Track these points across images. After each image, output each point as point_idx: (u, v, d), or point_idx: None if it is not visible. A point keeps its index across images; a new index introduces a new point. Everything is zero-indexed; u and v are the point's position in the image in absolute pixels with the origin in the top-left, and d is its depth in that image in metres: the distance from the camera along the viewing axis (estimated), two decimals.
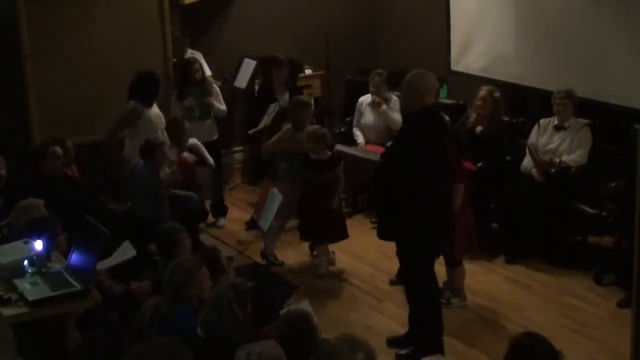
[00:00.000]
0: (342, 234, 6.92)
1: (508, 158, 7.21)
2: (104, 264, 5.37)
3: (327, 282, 6.82)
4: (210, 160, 7.65)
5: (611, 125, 7.07)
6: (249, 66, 8.98)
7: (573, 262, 6.80)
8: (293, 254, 7.36)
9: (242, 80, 9.00)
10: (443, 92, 8.38)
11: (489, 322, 6.06)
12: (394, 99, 8.01)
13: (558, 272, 6.76)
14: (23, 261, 4.92)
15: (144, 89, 7.10)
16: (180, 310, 4.43)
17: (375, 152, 7.34)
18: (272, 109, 8.33)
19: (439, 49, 8.63)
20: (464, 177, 6.04)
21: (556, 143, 6.93)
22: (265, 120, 8.50)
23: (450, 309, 6.08)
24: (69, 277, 4.85)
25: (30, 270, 4.91)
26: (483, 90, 7.28)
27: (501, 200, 7.04)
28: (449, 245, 5.75)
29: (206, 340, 4.22)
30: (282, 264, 7.06)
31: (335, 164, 6.81)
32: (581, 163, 6.80)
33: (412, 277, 5.46)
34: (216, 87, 8.23)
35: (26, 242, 5.03)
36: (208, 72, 8.38)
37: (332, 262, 7.02)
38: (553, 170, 6.77)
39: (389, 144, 6.76)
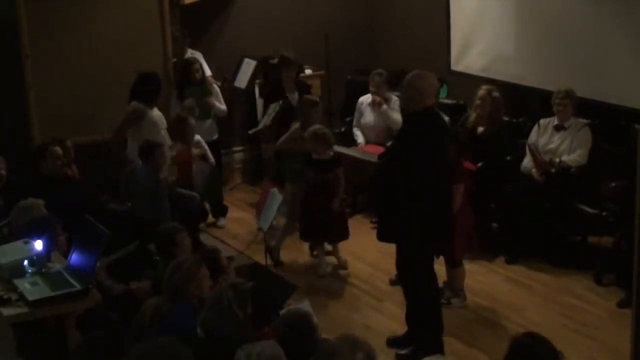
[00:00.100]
0: (342, 235, 6.92)
1: (508, 158, 7.21)
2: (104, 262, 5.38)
3: (327, 282, 6.82)
4: (212, 158, 7.66)
5: (611, 125, 7.07)
6: (249, 66, 8.98)
7: (573, 262, 6.80)
8: (293, 254, 7.36)
9: (242, 80, 9.00)
10: (443, 92, 8.38)
11: (489, 322, 6.06)
12: (394, 99, 8.01)
13: (558, 272, 6.76)
14: (23, 261, 4.92)
15: (147, 89, 7.11)
16: (180, 310, 4.43)
17: (372, 153, 7.32)
18: (272, 109, 8.33)
19: (439, 49, 8.63)
20: (464, 177, 6.04)
21: (556, 143, 6.93)
22: (265, 121, 8.50)
23: (450, 309, 6.08)
24: (69, 277, 4.86)
25: (30, 270, 4.92)
26: (482, 90, 7.28)
27: (501, 200, 7.04)
28: (449, 245, 5.75)
29: (206, 340, 4.22)
30: (282, 264, 7.06)
31: (336, 165, 6.79)
32: (581, 163, 6.80)
33: (412, 277, 5.46)
34: (216, 87, 8.24)
35: (26, 242, 5.03)
36: (208, 72, 8.39)
37: (344, 266, 6.98)
38: (553, 170, 6.77)
39: (389, 144, 6.77)
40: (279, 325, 4.20)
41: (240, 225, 8.03)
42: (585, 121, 6.93)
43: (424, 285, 5.45)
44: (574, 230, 6.99)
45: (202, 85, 7.91)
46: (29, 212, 5.38)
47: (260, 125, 8.71)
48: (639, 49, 6.74)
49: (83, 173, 7.04)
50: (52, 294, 4.70)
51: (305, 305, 4.85)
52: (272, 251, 7.05)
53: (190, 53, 8.38)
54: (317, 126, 6.85)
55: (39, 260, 4.96)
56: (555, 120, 6.99)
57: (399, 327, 5.78)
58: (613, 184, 6.50)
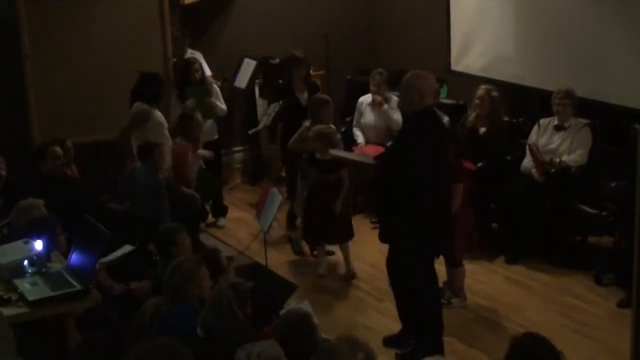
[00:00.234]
0: (343, 236, 6.88)
1: (508, 158, 7.21)
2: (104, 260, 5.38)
3: (327, 282, 6.82)
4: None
5: (611, 125, 7.07)
6: (249, 66, 8.98)
7: (573, 262, 6.80)
8: (293, 254, 7.36)
9: (242, 80, 9.00)
10: (443, 92, 8.38)
11: (489, 322, 6.06)
12: (395, 99, 8.00)
13: (558, 272, 6.76)
14: (23, 261, 4.92)
15: (150, 90, 7.11)
16: (180, 310, 4.43)
17: (368, 155, 7.27)
18: (272, 108, 8.32)
19: (439, 49, 8.63)
20: (464, 177, 6.04)
21: (556, 143, 6.94)
22: (265, 121, 8.50)
23: (450, 309, 6.08)
24: (69, 277, 4.85)
25: (30, 270, 4.91)
26: (481, 90, 7.29)
27: (501, 200, 7.04)
28: (448, 245, 5.75)
29: (206, 340, 4.22)
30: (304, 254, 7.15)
31: (339, 166, 6.70)
32: (581, 163, 6.80)
33: (412, 278, 5.46)
34: (216, 87, 8.24)
35: (26, 242, 5.03)
36: (208, 72, 8.39)
37: (350, 276, 6.89)
38: (553, 170, 6.77)
39: (388, 144, 6.75)
40: (279, 325, 4.20)
41: (240, 225, 8.03)
42: (585, 121, 6.93)
43: (424, 285, 5.45)
44: (574, 230, 6.99)
45: (202, 86, 7.90)
46: (29, 212, 5.38)
47: (260, 125, 8.71)
48: (639, 49, 6.74)
49: (83, 173, 7.04)
50: (52, 294, 4.70)
51: (305, 305, 4.85)
52: (293, 243, 7.09)
53: (190, 53, 8.38)
54: (322, 125, 6.81)
55: (39, 260, 4.96)
56: (555, 120, 6.99)
57: (399, 327, 5.77)
58: (613, 184, 6.50)
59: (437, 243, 5.48)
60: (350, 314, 6.28)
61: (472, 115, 7.37)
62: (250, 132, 8.83)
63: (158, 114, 7.13)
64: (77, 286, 4.76)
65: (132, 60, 7.71)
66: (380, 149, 7.39)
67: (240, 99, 9.25)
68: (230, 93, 8.91)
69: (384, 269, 6.68)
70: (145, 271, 5.41)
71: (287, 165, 7.84)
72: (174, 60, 8.16)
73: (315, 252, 7.21)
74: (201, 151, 7.43)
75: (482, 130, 7.25)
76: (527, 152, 6.98)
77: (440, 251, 5.67)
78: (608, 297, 6.30)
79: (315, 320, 4.22)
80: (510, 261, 6.97)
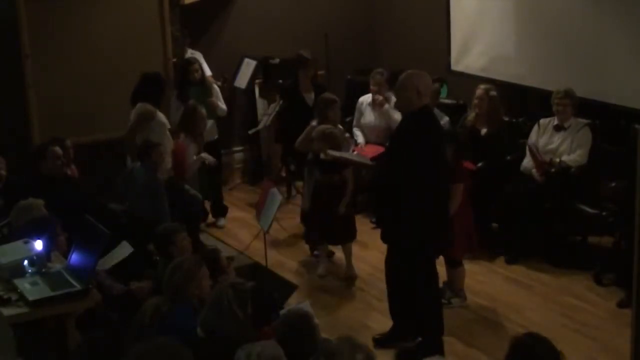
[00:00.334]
0: (346, 237, 6.86)
1: (508, 158, 7.21)
2: (103, 265, 5.37)
3: (327, 282, 6.82)
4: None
5: (611, 125, 7.07)
6: (249, 66, 8.98)
7: (573, 262, 6.80)
8: (293, 254, 7.37)
9: (242, 80, 9.00)
10: (443, 92, 8.38)
11: (489, 322, 6.06)
12: (395, 98, 8.01)
13: (558, 272, 6.76)
14: (23, 261, 4.92)
15: (153, 90, 7.10)
16: (180, 310, 4.43)
17: (365, 157, 7.26)
18: (272, 108, 8.32)
19: (439, 49, 8.64)
20: (463, 177, 6.05)
21: (556, 143, 6.94)
22: (265, 121, 8.51)
23: (450, 309, 6.08)
24: (69, 277, 4.85)
25: (30, 270, 4.91)
26: (480, 90, 7.29)
27: (501, 200, 7.04)
28: (448, 245, 5.75)
29: (206, 340, 4.22)
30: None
31: (342, 166, 6.68)
32: (581, 163, 6.80)
33: (412, 277, 5.46)
34: (216, 87, 8.24)
35: (26, 242, 5.03)
36: (208, 72, 8.38)
37: (353, 275, 6.89)
38: (553, 170, 6.77)
39: (388, 144, 6.74)
40: (279, 325, 4.20)
41: (240, 225, 8.03)
42: (585, 121, 6.94)
43: (425, 285, 5.45)
44: (574, 230, 6.99)
45: (202, 86, 7.90)
46: (29, 212, 5.38)
47: (260, 125, 8.72)
48: (639, 49, 6.74)
49: (83, 173, 7.04)
50: (52, 294, 4.70)
51: (305, 305, 4.84)
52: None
53: (190, 53, 8.38)
54: (325, 125, 6.80)
55: (39, 260, 4.96)
56: (555, 121, 7.00)
57: None
58: (613, 184, 6.50)
59: (437, 243, 5.48)
60: (351, 314, 6.28)
61: (471, 115, 7.38)
62: (250, 132, 8.84)
63: (160, 114, 7.14)
64: (77, 286, 4.76)
65: (132, 60, 7.72)
66: (380, 149, 7.40)
67: (240, 99, 9.25)
68: (230, 93, 8.91)
69: (384, 268, 6.71)
70: (145, 271, 5.40)
71: (296, 165, 7.82)
72: (174, 60, 8.16)
73: (315, 253, 7.21)
74: (205, 155, 7.40)
75: (483, 130, 7.25)
76: (527, 152, 6.98)
77: (440, 251, 5.67)
78: (608, 297, 6.30)
79: (315, 320, 4.22)
80: (510, 261, 6.97)
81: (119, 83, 7.59)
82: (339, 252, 7.09)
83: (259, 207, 7.05)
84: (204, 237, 7.39)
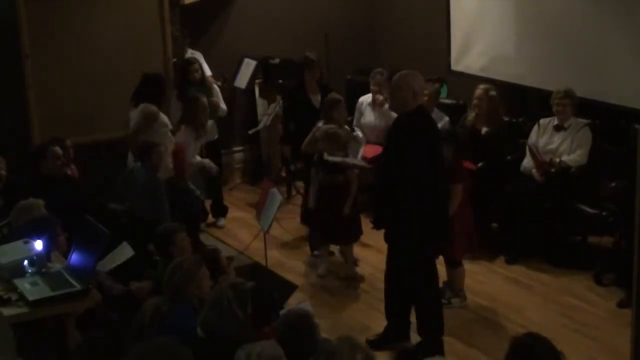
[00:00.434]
0: (348, 238, 6.86)
1: (508, 158, 7.21)
2: (104, 266, 5.37)
3: (327, 283, 6.82)
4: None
5: (611, 125, 7.07)
6: (249, 66, 8.98)
7: (573, 262, 6.80)
8: (293, 254, 7.37)
9: (242, 80, 9.00)
10: (443, 92, 8.38)
11: (489, 322, 6.06)
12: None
13: (558, 272, 6.76)
14: (23, 261, 4.92)
15: (154, 90, 7.10)
16: (180, 310, 4.43)
17: (361, 160, 7.24)
18: (272, 108, 8.32)
19: (439, 49, 8.64)
20: (463, 177, 6.05)
21: (556, 143, 6.94)
22: (265, 121, 8.51)
23: (450, 309, 6.08)
24: (69, 277, 4.85)
25: (30, 270, 4.91)
26: (479, 90, 7.30)
27: (501, 200, 7.04)
28: (447, 245, 5.76)
29: (206, 340, 4.22)
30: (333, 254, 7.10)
31: (346, 166, 6.68)
32: (581, 163, 6.80)
33: (412, 278, 5.46)
34: (216, 87, 8.24)
35: (26, 242, 5.03)
36: (208, 72, 8.38)
37: (353, 276, 6.90)
38: (553, 170, 6.77)
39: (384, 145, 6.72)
40: (279, 325, 4.20)
41: (240, 225, 8.03)
42: (585, 121, 6.94)
43: (425, 285, 5.45)
44: (574, 230, 6.99)
45: (202, 86, 7.90)
46: (29, 212, 5.38)
47: (260, 125, 8.72)
48: (639, 49, 6.74)
49: (83, 173, 7.03)
50: (52, 294, 4.70)
51: (306, 305, 4.84)
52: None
53: (190, 53, 8.38)
54: (328, 125, 6.79)
55: (39, 260, 4.95)
56: (555, 121, 7.00)
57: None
58: (613, 184, 6.50)
59: (436, 243, 5.48)
60: (351, 314, 6.28)
61: (471, 115, 7.38)
62: (250, 132, 8.84)
63: (162, 115, 7.14)
64: (77, 286, 4.76)
65: (132, 60, 7.72)
66: (380, 149, 7.39)
67: (240, 99, 9.25)
68: (230, 93, 8.91)
69: (384, 268, 6.70)
70: (145, 271, 5.40)
71: (304, 167, 7.81)
72: (174, 60, 8.15)
73: (315, 253, 7.21)
74: (207, 162, 7.39)
75: (484, 130, 7.25)
76: (527, 152, 6.98)
77: (439, 251, 5.67)
78: (608, 297, 6.30)
79: (315, 320, 4.22)
80: (510, 261, 6.97)
81: (119, 83, 7.59)
82: (338, 252, 7.08)
83: (259, 207, 7.05)
84: (204, 237, 7.39)
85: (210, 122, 7.93)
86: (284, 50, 8.89)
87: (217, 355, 4.07)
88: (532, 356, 3.62)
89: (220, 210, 8.11)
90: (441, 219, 5.37)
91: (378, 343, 5.63)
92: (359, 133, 8.17)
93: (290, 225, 7.84)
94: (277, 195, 6.75)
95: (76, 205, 5.88)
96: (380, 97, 8.00)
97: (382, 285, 6.57)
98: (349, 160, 6.75)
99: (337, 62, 9.28)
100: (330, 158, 6.54)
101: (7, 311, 4.53)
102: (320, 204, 6.82)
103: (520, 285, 6.62)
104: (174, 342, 3.52)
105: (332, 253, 7.17)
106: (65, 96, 7.68)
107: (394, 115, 7.80)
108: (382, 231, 5.60)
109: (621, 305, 6.09)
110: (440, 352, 5.43)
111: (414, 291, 5.50)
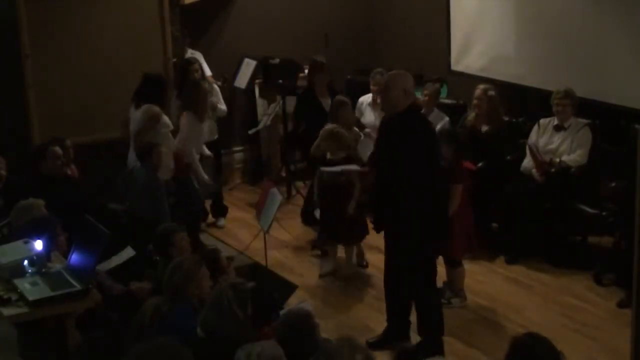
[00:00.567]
0: (349, 238, 6.86)
1: (508, 158, 7.21)
2: (104, 267, 5.37)
3: (327, 282, 6.82)
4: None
5: (611, 125, 7.07)
6: (249, 66, 8.98)
7: (573, 262, 6.80)
8: (293, 254, 7.37)
9: (242, 80, 9.00)
10: (443, 92, 8.39)
11: (489, 322, 6.06)
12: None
13: (558, 272, 6.76)
14: (23, 261, 4.92)
15: (155, 91, 7.10)
16: (180, 310, 4.43)
17: (353, 165, 7.20)
18: (272, 108, 8.31)
19: (439, 49, 8.64)
20: (463, 177, 6.04)
21: (556, 143, 6.94)
22: (265, 121, 8.50)
23: (450, 309, 6.08)
24: (69, 277, 4.85)
25: (30, 270, 4.91)
26: (478, 90, 7.30)
27: (501, 200, 7.04)
28: (446, 245, 5.75)
29: (206, 340, 4.22)
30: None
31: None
32: (581, 163, 6.80)
33: (412, 278, 5.45)
34: (216, 87, 8.24)
35: (26, 242, 5.03)
36: (208, 72, 8.39)
37: (344, 271, 6.92)
38: (553, 170, 6.77)
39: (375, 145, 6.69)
40: (279, 325, 4.20)
41: (240, 225, 8.03)
42: (585, 121, 6.94)
43: (425, 285, 5.45)
44: (574, 230, 6.99)
45: None
46: (29, 212, 5.38)
47: (260, 125, 8.72)
48: (639, 49, 6.74)
49: (83, 173, 7.04)
50: (52, 294, 4.70)
51: (306, 305, 4.84)
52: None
53: (190, 53, 8.38)
54: (333, 125, 6.79)
55: (39, 260, 4.95)
56: (555, 121, 7.00)
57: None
58: (613, 184, 6.50)
59: (436, 243, 5.48)
60: (351, 314, 6.28)
61: (471, 115, 7.39)
62: (250, 132, 8.84)
63: (164, 115, 7.14)
64: (77, 286, 4.76)
65: (132, 60, 7.72)
66: None
67: (240, 99, 9.25)
68: (230, 93, 8.91)
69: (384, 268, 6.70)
70: (145, 271, 5.40)
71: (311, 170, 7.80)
72: (174, 60, 8.15)
73: (314, 252, 7.22)
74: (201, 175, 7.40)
75: (484, 130, 7.25)
76: (527, 152, 6.98)
77: (439, 251, 5.66)
78: (608, 297, 6.30)
79: (316, 320, 4.22)
80: (510, 261, 6.97)
81: (119, 83, 7.59)
82: (338, 252, 7.08)
83: (259, 207, 7.05)
84: (204, 237, 7.39)
85: (209, 122, 7.92)
86: (284, 50, 8.89)
87: (217, 355, 4.07)
88: (532, 356, 3.62)
89: (220, 210, 8.12)
90: (441, 219, 5.37)
91: (378, 344, 5.63)
92: (371, 133, 8.13)
93: (290, 225, 7.84)
94: (277, 195, 6.75)
95: (76, 205, 5.88)
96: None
97: (382, 285, 6.58)
98: (346, 167, 6.72)
99: (337, 62, 9.27)
100: (327, 169, 6.58)
101: (7, 311, 4.53)
102: (322, 203, 6.83)
103: (520, 285, 6.62)
104: (174, 342, 3.52)
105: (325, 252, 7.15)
106: (65, 96, 7.68)
107: None
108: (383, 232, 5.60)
109: (621, 305, 6.09)
110: (440, 352, 5.43)
111: (414, 291, 5.50)
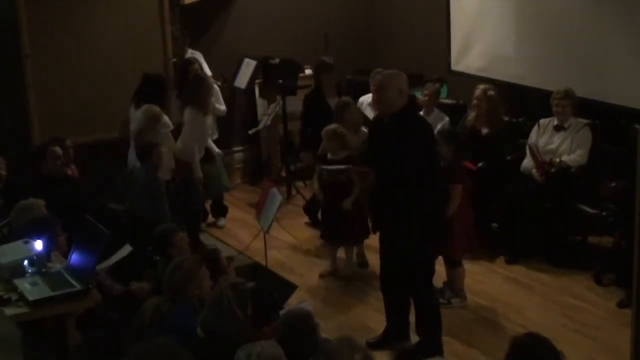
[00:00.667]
0: (350, 239, 6.85)
1: (508, 158, 7.21)
2: (103, 266, 5.38)
3: (327, 282, 6.82)
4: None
5: (611, 125, 7.07)
6: (249, 66, 8.98)
7: (573, 262, 6.80)
8: (293, 254, 7.36)
9: (242, 80, 9.00)
10: (443, 92, 8.39)
11: (489, 322, 6.06)
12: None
13: (558, 272, 6.76)
14: (23, 261, 4.92)
15: (155, 91, 7.10)
16: (180, 310, 4.43)
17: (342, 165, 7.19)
18: (272, 108, 8.31)
19: (439, 49, 8.64)
20: (463, 177, 6.04)
21: (556, 143, 6.94)
22: (265, 121, 8.50)
23: (450, 309, 6.08)
24: (69, 277, 4.85)
25: (30, 270, 4.91)
26: (478, 90, 7.31)
27: (501, 200, 7.04)
28: (446, 245, 5.74)
29: (206, 340, 4.22)
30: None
31: (349, 163, 6.66)
32: (581, 163, 6.80)
33: (413, 278, 5.45)
34: (216, 87, 8.23)
35: (26, 242, 5.03)
36: (208, 72, 8.38)
37: (342, 270, 6.93)
38: (553, 170, 6.77)
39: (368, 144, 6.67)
40: (279, 325, 4.20)
41: (240, 225, 8.03)
42: (585, 121, 6.94)
43: (425, 285, 5.45)
44: (574, 230, 6.99)
45: None
46: (29, 212, 5.38)
47: (260, 125, 8.71)
48: (639, 49, 6.74)
49: (83, 173, 7.04)
50: (52, 294, 4.70)
51: (306, 305, 4.85)
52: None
53: (190, 53, 8.38)
54: (334, 125, 6.80)
55: (39, 260, 4.95)
56: (555, 121, 7.00)
57: None
58: (613, 184, 6.50)
59: (436, 243, 5.48)
60: (351, 314, 6.28)
61: (471, 116, 7.39)
62: (250, 132, 8.84)
63: (164, 115, 7.14)
64: (77, 286, 4.76)
65: (132, 60, 7.72)
66: None
67: (240, 99, 9.25)
68: (230, 93, 8.92)
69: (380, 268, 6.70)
70: (145, 271, 5.40)
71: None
72: (174, 60, 8.16)
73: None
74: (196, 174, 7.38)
75: (483, 130, 7.25)
76: (527, 152, 6.98)
77: (438, 251, 5.66)
78: (608, 297, 6.30)
79: (316, 320, 4.22)
80: (510, 261, 6.97)
81: (119, 83, 7.60)
82: (338, 252, 7.08)
83: (259, 207, 7.05)
84: (204, 237, 7.39)
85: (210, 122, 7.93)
86: (284, 50, 8.89)
87: (217, 355, 4.07)
88: (532, 356, 3.62)
89: (220, 210, 8.12)
90: (440, 219, 5.37)
91: (378, 344, 5.63)
92: None
93: (291, 225, 7.84)
94: (277, 195, 6.75)
95: (76, 205, 5.88)
96: None
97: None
98: (346, 167, 6.72)
99: (337, 62, 9.24)
100: (327, 167, 6.59)
101: (7, 311, 4.52)
102: (324, 203, 6.83)
103: (520, 285, 6.62)
104: (174, 342, 3.52)
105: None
106: (65, 96, 7.68)
107: None
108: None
109: (621, 305, 6.09)
110: (440, 352, 5.43)
111: (412, 291, 5.49)
